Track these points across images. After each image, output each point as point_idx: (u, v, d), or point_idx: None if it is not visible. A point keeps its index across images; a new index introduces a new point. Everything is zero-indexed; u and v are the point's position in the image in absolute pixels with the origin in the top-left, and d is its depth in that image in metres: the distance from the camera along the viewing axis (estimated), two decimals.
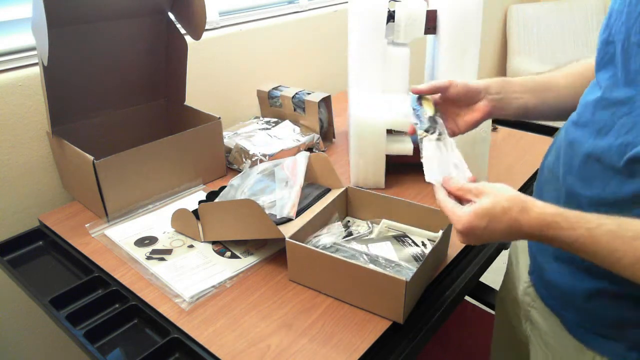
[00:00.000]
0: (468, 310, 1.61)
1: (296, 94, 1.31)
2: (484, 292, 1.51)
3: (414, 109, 0.76)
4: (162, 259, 0.90)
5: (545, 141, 1.32)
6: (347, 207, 0.99)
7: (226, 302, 0.80)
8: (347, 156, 1.23)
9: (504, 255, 0.97)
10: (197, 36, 1.14)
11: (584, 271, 0.64)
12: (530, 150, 1.28)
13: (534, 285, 0.77)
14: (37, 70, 1.08)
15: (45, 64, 0.89)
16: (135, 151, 1.01)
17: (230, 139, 1.23)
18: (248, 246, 0.92)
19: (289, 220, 0.90)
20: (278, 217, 0.90)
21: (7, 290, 1.11)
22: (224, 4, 1.48)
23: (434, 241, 0.87)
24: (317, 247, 0.82)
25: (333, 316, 0.77)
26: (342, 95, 1.71)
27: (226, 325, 0.76)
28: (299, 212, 0.91)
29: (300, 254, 0.80)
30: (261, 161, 1.14)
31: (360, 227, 0.96)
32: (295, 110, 1.32)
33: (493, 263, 0.96)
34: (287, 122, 1.32)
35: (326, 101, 1.31)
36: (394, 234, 0.91)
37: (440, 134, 0.73)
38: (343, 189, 0.97)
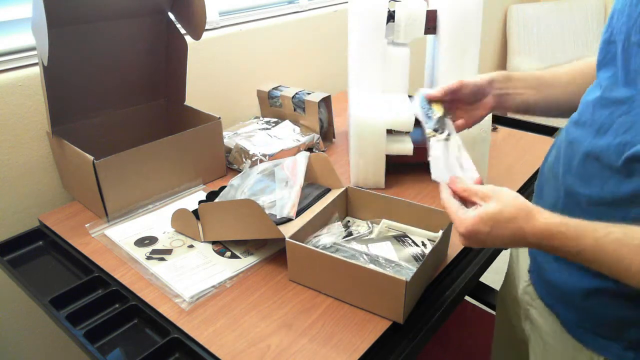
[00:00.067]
0: (468, 310, 1.61)
1: (296, 94, 1.31)
2: (484, 292, 1.51)
3: (422, 108, 0.76)
4: (162, 259, 0.90)
5: (545, 141, 1.32)
6: (347, 207, 0.99)
7: (226, 302, 0.80)
8: (347, 156, 1.23)
9: (504, 255, 0.97)
10: (197, 36, 1.14)
11: (582, 270, 0.64)
12: (530, 150, 1.27)
13: (533, 284, 0.78)
14: (37, 70, 1.08)
15: (45, 64, 0.89)
16: (135, 151, 1.01)
17: (230, 139, 1.23)
18: (248, 246, 0.92)
19: (289, 220, 0.90)
20: (278, 217, 0.90)
21: (7, 290, 1.11)
22: (224, 4, 1.48)
23: (434, 241, 0.87)
24: (317, 247, 0.82)
25: (333, 316, 0.77)
26: (342, 95, 1.70)
27: (226, 325, 0.76)
28: (299, 212, 0.91)
29: (300, 254, 0.80)
30: (261, 161, 1.14)
31: (360, 227, 0.96)
32: (295, 110, 1.32)
33: (493, 263, 0.96)
34: (287, 122, 1.32)
35: (326, 101, 1.31)
36: (394, 234, 0.91)
37: (449, 135, 0.73)
38: (343, 189, 0.97)
